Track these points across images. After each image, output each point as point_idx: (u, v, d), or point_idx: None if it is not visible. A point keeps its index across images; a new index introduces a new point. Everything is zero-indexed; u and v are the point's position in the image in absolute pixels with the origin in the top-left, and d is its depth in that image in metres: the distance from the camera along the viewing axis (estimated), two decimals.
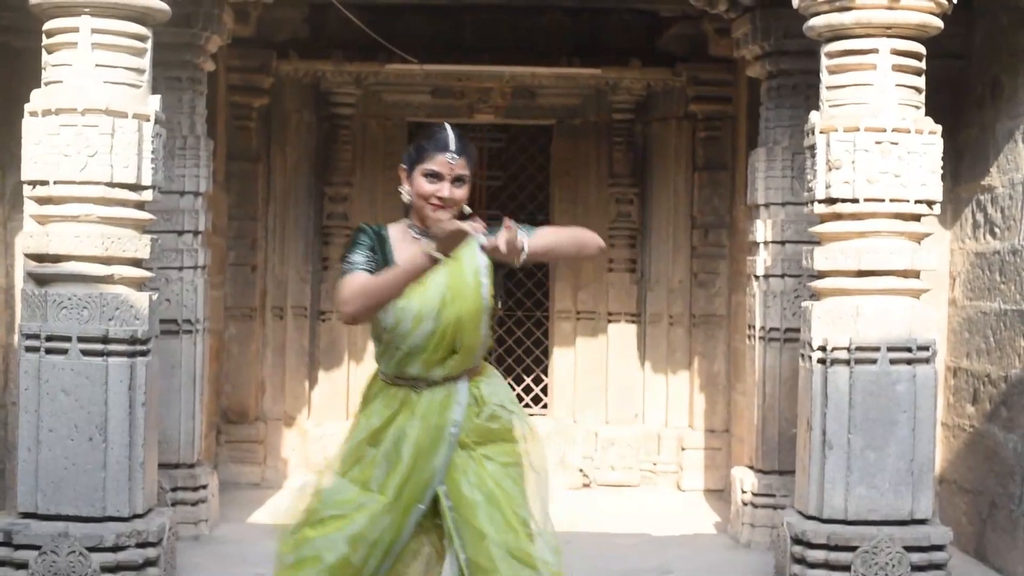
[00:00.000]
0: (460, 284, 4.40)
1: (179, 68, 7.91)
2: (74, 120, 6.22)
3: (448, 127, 4.49)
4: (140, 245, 6.44)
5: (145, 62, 6.47)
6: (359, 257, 4.40)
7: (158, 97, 6.53)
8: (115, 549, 6.30)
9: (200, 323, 8.03)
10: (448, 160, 4.40)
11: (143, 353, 6.41)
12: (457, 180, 4.42)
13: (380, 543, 4.37)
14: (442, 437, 4.39)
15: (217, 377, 10.02)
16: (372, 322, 4.44)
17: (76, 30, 6.29)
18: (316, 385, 10.76)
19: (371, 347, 11.02)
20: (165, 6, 6.45)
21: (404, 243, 4.46)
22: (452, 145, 4.41)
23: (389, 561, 4.40)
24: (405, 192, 4.49)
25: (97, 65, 6.31)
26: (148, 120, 6.38)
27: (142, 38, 6.43)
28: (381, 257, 4.43)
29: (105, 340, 6.31)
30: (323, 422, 10.62)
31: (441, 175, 4.40)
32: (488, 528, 4.33)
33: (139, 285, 6.53)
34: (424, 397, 4.43)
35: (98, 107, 6.22)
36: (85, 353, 6.30)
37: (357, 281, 4.33)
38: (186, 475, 7.98)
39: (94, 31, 6.29)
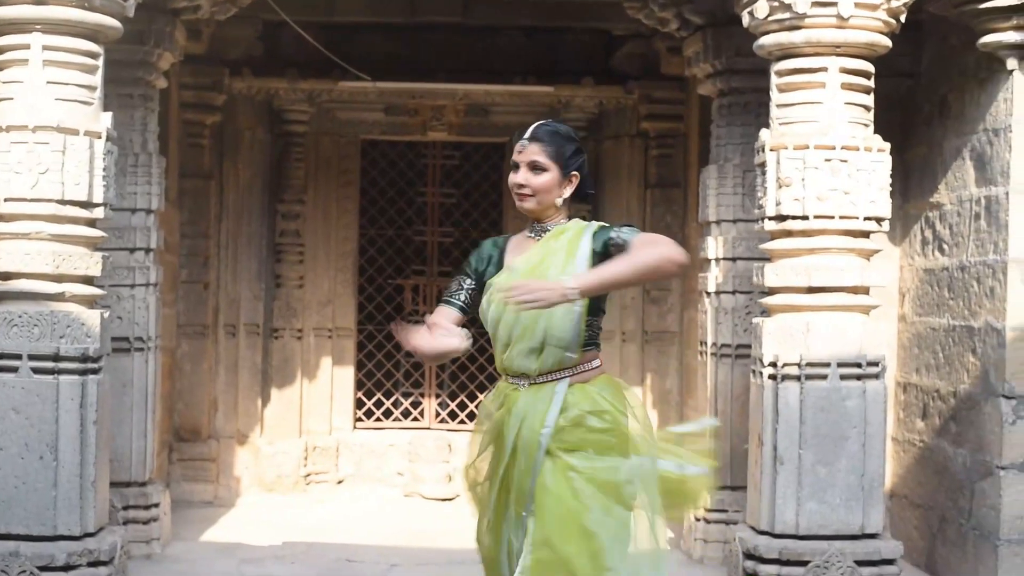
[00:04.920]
0: (542, 275, 4.30)
1: (131, 85, 7.88)
2: (25, 137, 6.20)
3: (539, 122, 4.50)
4: (91, 263, 6.42)
5: (97, 79, 6.45)
6: (453, 286, 4.51)
7: (110, 114, 6.51)
8: (66, 568, 6.26)
9: (152, 341, 7.99)
10: (518, 147, 4.40)
11: (94, 371, 6.39)
12: (533, 167, 4.37)
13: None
14: (536, 441, 4.28)
15: (169, 395, 9.98)
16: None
17: (27, 47, 6.27)
18: (269, 403, 10.73)
19: (324, 364, 11.01)
20: (117, 23, 6.44)
21: (518, 247, 4.48)
22: (527, 133, 4.41)
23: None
24: None
25: (48, 82, 6.29)
26: (100, 137, 6.36)
27: (94, 55, 6.41)
28: (493, 268, 4.46)
29: (56, 358, 6.28)
30: (276, 440, 10.59)
31: (518, 164, 4.39)
32: (556, 540, 4.23)
33: (90, 303, 6.50)
34: (523, 396, 4.35)
35: (49, 124, 6.20)
36: (36, 371, 6.27)
37: (429, 321, 4.40)
38: (138, 493, 7.93)
39: (45, 48, 6.27)
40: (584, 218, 4.55)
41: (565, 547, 4.19)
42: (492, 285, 4.41)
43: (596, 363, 4.42)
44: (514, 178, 4.40)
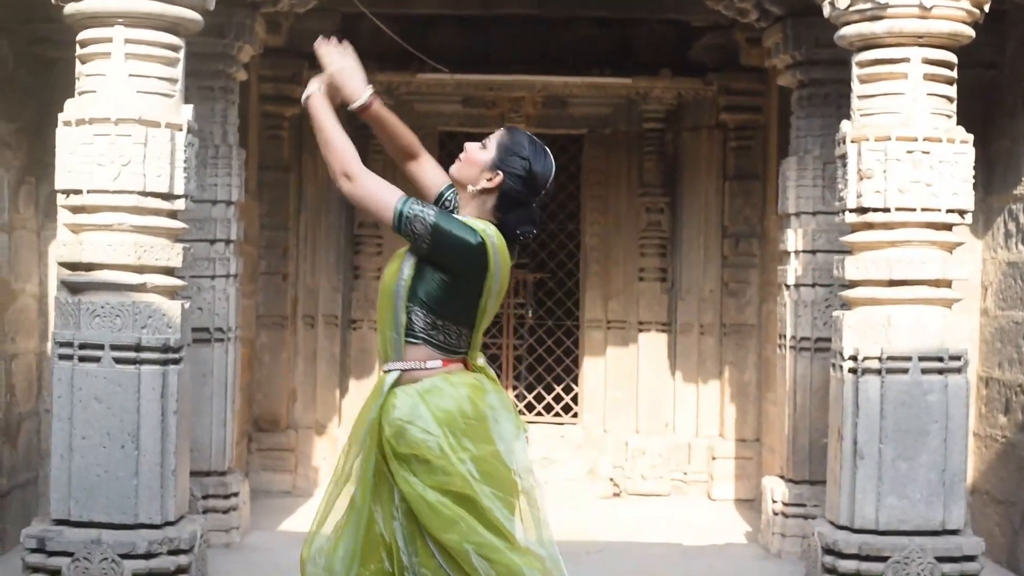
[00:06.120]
0: (392, 265, 4.29)
1: (211, 78, 7.95)
2: (107, 130, 6.26)
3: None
4: (172, 254, 6.48)
5: (178, 72, 6.50)
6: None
7: (191, 107, 6.57)
8: (147, 556, 6.33)
9: (232, 331, 8.06)
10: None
11: (175, 361, 6.44)
12: (483, 143, 4.36)
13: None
14: (365, 431, 4.23)
15: (248, 385, 10.06)
16: None
17: (110, 40, 6.33)
18: (347, 394, 10.79)
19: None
20: (198, 16, 6.49)
21: None
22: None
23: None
24: None
25: (130, 75, 6.34)
26: (181, 129, 6.42)
27: (175, 48, 6.47)
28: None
29: (138, 348, 6.34)
30: None
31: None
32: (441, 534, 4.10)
33: (171, 294, 6.56)
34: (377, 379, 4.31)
35: (131, 117, 6.26)
36: (118, 361, 6.33)
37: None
38: (217, 483, 8.01)
39: (127, 41, 6.33)
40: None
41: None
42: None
43: (432, 363, 4.24)
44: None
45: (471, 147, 4.36)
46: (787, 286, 8.23)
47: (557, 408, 11.16)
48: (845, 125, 6.77)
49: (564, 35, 10.63)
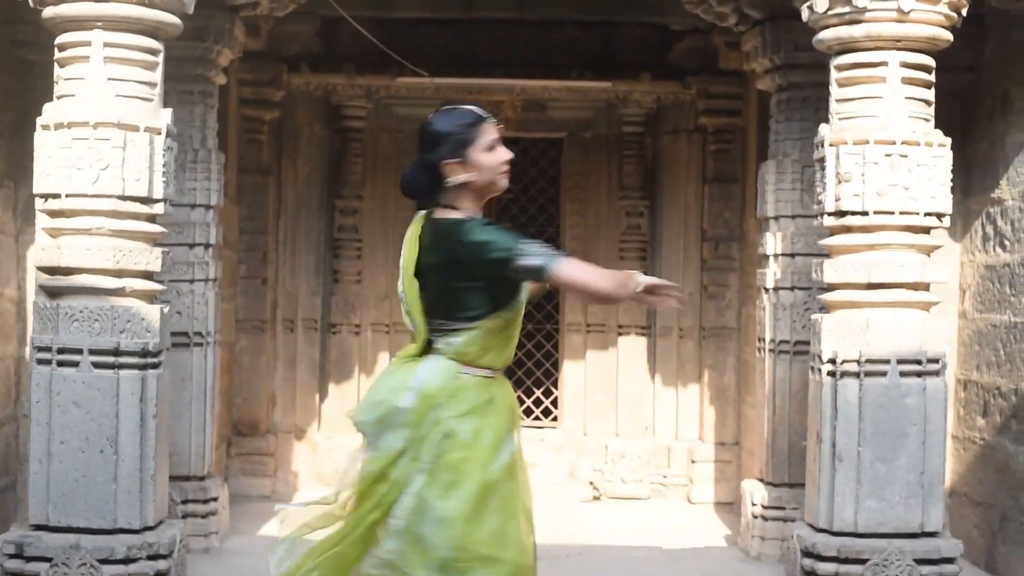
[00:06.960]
0: None
1: (191, 82, 7.93)
2: (86, 134, 6.25)
3: (463, 104, 4.49)
4: (151, 258, 6.46)
5: (157, 76, 6.49)
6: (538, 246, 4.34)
7: (170, 111, 6.55)
8: (126, 561, 6.31)
9: (211, 336, 8.04)
10: (495, 125, 4.39)
11: (154, 366, 6.43)
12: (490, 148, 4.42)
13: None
14: (516, 421, 4.52)
15: (228, 389, 10.04)
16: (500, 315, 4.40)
17: (88, 44, 6.32)
18: (327, 398, 10.77)
19: (382, 359, 10.99)
20: (177, 20, 6.48)
21: None
22: (486, 112, 4.43)
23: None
24: (458, 179, 4.38)
25: (109, 79, 6.33)
26: (160, 133, 6.40)
27: (154, 52, 6.45)
28: None
29: (116, 353, 6.32)
30: (334, 435, 10.63)
31: (498, 141, 4.38)
32: None
33: (150, 298, 6.55)
34: (505, 384, 4.52)
35: (110, 121, 6.25)
36: (96, 366, 6.32)
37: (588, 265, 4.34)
38: (197, 487, 7.99)
39: (106, 45, 6.31)
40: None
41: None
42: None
43: None
44: (505, 154, 4.37)
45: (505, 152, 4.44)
46: (766, 289, 8.24)
47: (537, 412, 11.16)
48: (823, 129, 6.79)
49: (546, 38, 10.63)
